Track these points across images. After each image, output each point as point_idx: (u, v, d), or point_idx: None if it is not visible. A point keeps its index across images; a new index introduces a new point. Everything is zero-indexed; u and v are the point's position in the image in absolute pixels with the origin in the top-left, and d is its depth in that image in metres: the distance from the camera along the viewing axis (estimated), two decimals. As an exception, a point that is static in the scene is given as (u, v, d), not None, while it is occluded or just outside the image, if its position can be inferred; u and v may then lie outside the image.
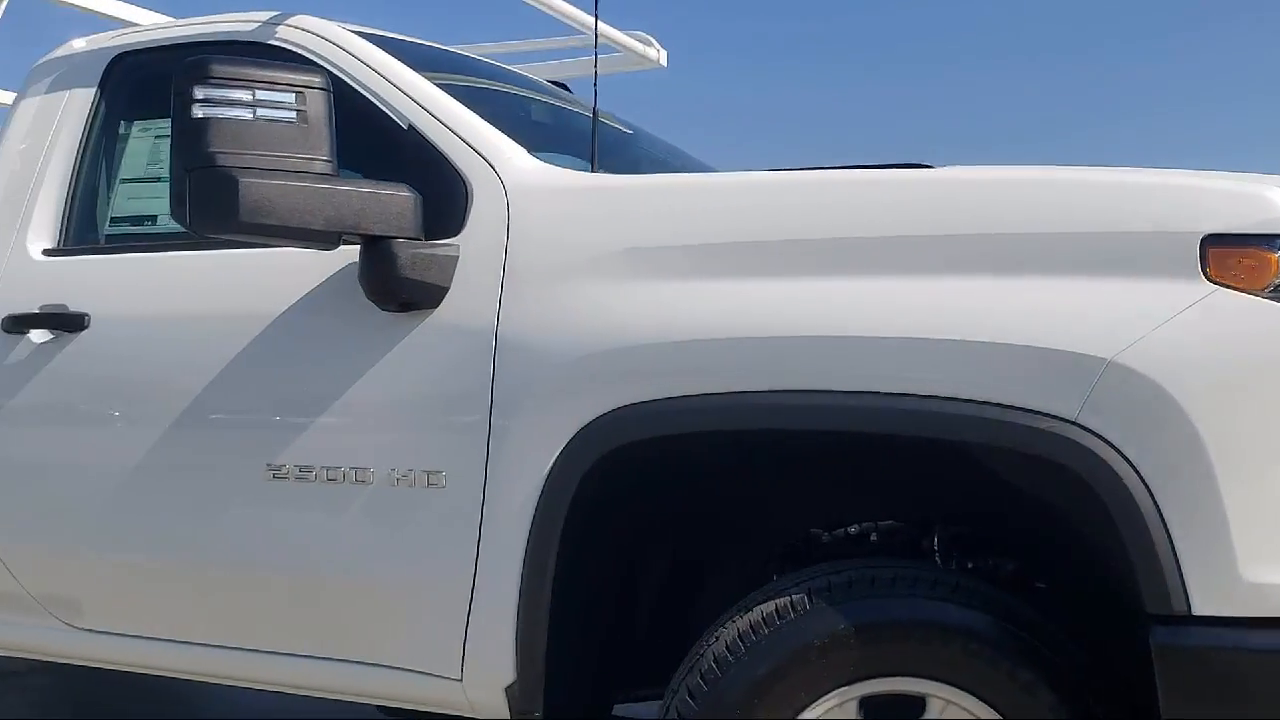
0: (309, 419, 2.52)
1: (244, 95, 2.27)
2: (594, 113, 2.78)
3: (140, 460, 2.70)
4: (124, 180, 2.97)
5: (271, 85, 2.29)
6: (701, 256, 2.23)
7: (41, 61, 3.26)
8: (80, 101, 3.08)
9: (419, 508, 2.39)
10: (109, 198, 2.99)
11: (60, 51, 3.25)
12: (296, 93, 2.31)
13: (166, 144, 2.78)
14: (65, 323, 2.83)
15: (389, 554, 2.43)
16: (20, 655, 3.23)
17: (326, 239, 2.33)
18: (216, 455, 2.65)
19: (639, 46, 4.78)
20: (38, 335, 2.86)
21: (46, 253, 2.98)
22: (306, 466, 2.51)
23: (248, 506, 2.59)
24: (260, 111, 2.27)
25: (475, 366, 2.32)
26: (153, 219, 2.90)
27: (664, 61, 4.87)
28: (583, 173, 2.65)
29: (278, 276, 2.60)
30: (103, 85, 3.08)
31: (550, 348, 2.27)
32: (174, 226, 2.77)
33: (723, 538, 2.53)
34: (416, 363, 2.40)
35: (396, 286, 2.37)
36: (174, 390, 2.67)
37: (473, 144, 2.53)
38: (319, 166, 2.31)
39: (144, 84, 3.11)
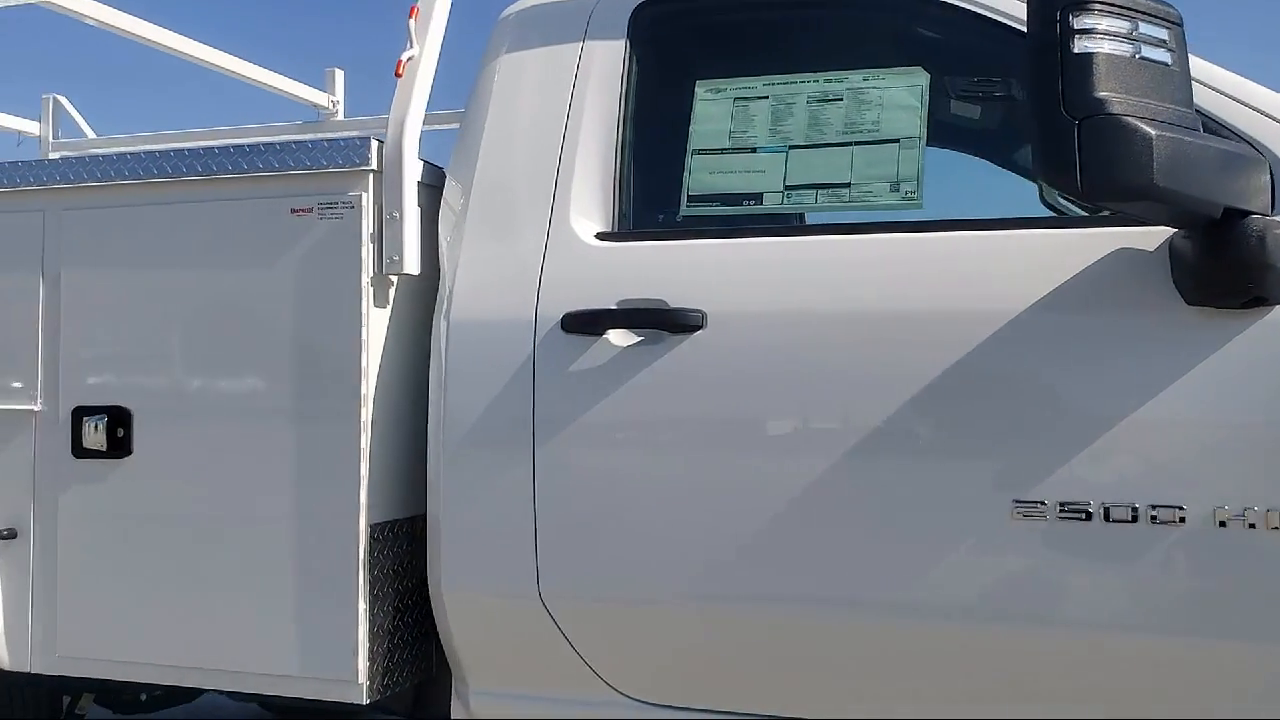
0: (1073, 445, 2.02)
1: (1124, 27, 1.79)
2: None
3: (803, 493, 2.15)
4: (698, 152, 2.41)
5: (1153, 18, 1.81)
6: None
7: (516, 11, 2.69)
8: (604, 59, 2.53)
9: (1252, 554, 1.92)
10: (680, 173, 2.43)
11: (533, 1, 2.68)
12: (1170, 28, 1.83)
13: (756, 109, 2.30)
14: (669, 322, 2.26)
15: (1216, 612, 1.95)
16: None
17: (1209, 210, 1.85)
18: (926, 488, 2.11)
19: None
20: (619, 337, 2.28)
21: (601, 237, 2.40)
22: (1075, 504, 2.00)
23: (981, 550, 2.06)
24: (1144, 50, 1.79)
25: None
26: (754, 198, 2.35)
27: None
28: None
29: (999, 263, 2.10)
30: (633, 39, 2.53)
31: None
32: (785, 207, 2.26)
33: None
34: (1267, 375, 1.94)
35: (1257, 276, 1.90)
36: (850, 404, 2.14)
37: (1268, 112, 2.09)
38: (1187, 121, 1.84)
39: (696, 37, 2.58)
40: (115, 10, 3.85)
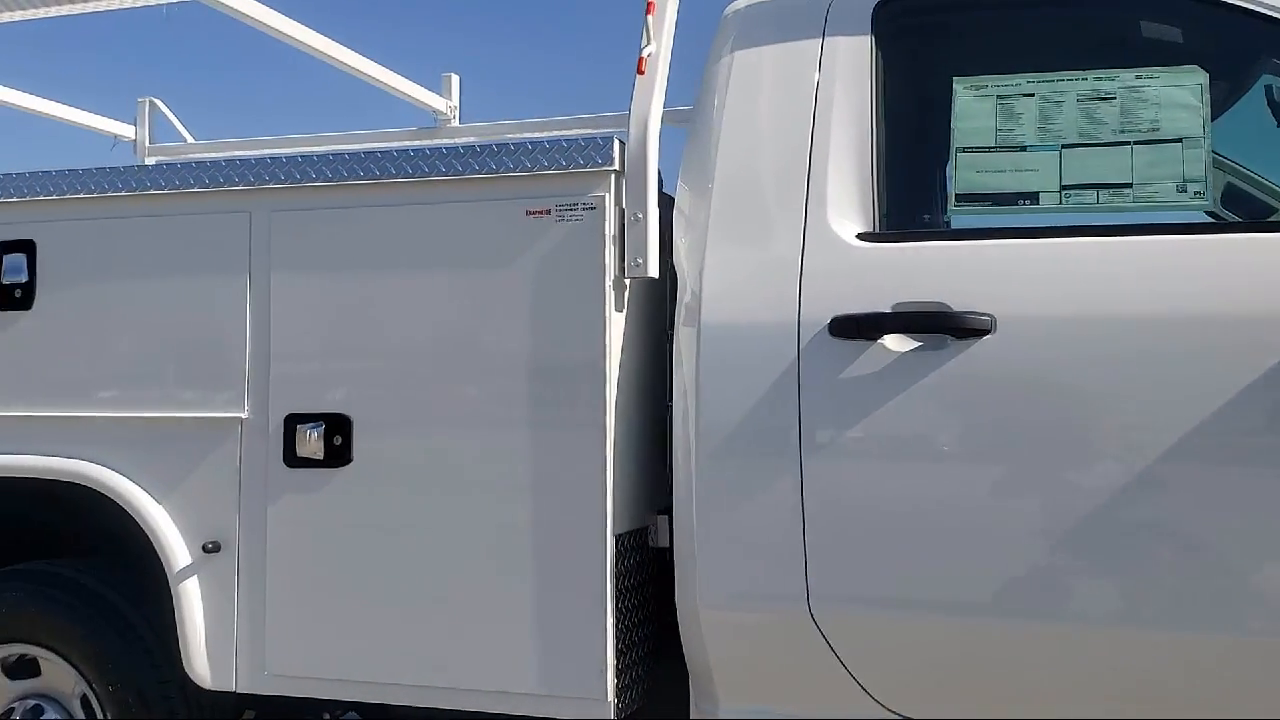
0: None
1: None
2: None
3: (1099, 505, 2.08)
4: (962, 151, 2.34)
5: None
6: None
7: (741, 9, 2.62)
8: (848, 55, 2.45)
9: None
10: (940, 172, 2.36)
11: (759, -6, 2.61)
12: None
13: (1022, 107, 2.24)
14: (953, 326, 2.19)
15: None
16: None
17: None
18: (1234, 499, 2.04)
19: None
20: (896, 341, 2.21)
21: (864, 238, 2.33)
22: None
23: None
24: None
25: None
26: (1029, 198, 2.28)
27: None
28: None
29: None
30: (877, 35, 2.46)
31: None
32: (1063, 208, 2.20)
33: None
34: None
35: None
36: (1152, 412, 2.07)
37: None
38: None
39: (939, 34, 2.51)
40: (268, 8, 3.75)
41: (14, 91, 4.56)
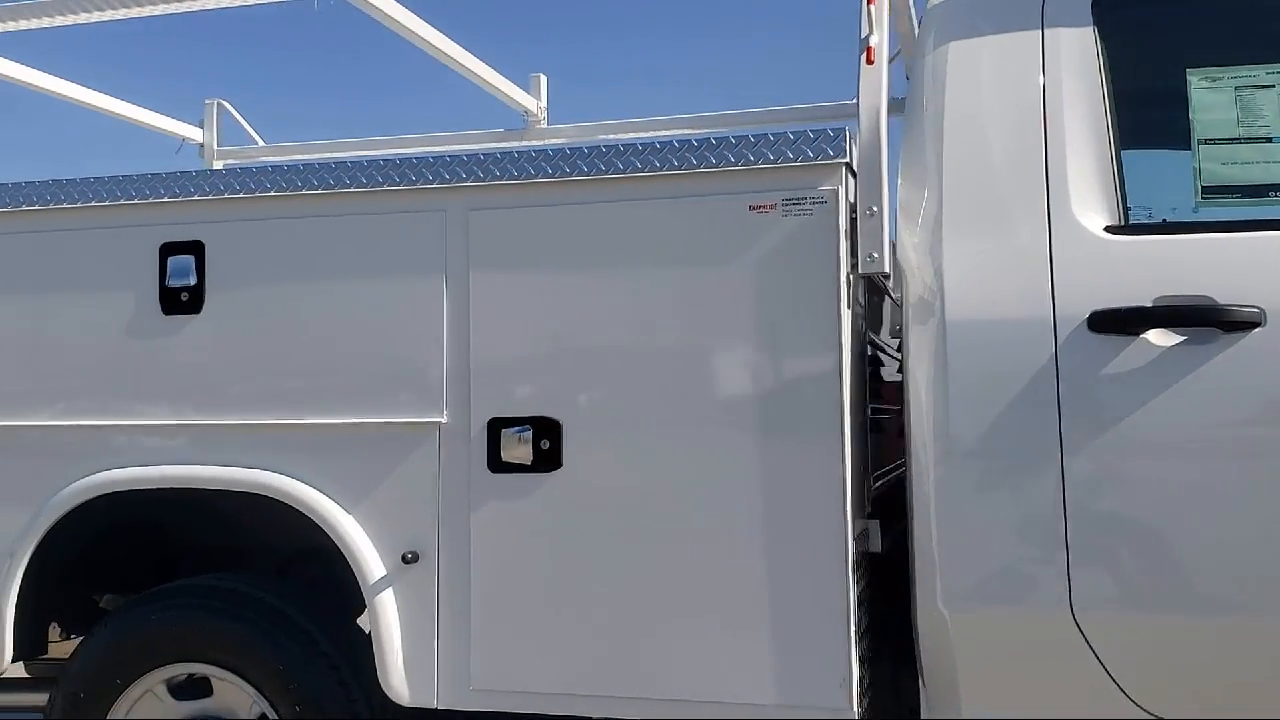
0: None
1: None
2: None
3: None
4: (1204, 143, 2.30)
5: None
6: None
7: (946, 3, 2.57)
8: (1072, 46, 2.41)
9: None
10: (1180, 163, 2.31)
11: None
12: None
13: (1264, 99, 2.21)
14: (1221, 320, 2.14)
15: None
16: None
17: None
18: None
19: None
20: (1160, 336, 2.16)
21: (1113, 230, 2.28)
22: None
23: None
24: None
25: None
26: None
27: None
28: None
29: None
30: (1099, 26, 2.42)
31: None
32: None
33: None
34: None
35: None
36: None
37: None
38: None
39: (1163, 23, 2.48)
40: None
41: (83, 89, 4.40)
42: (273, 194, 2.67)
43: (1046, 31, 2.44)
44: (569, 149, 2.50)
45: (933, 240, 2.36)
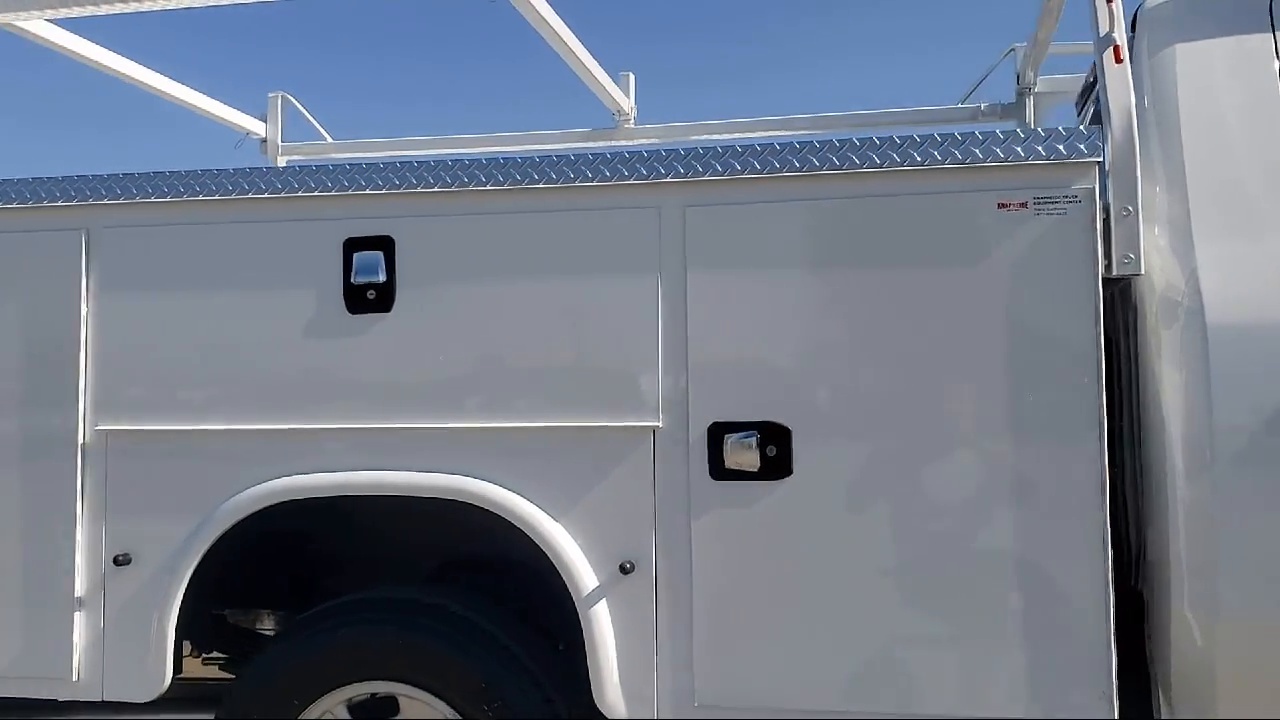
0: None
1: None
2: None
3: None
4: None
5: None
6: None
7: (1161, 6, 2.54)
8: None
9: None
10: None
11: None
12: None
13: None
14: None
15: None
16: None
17: None
18: None
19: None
20: None
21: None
22: None
23: None
24: None
25: None
26: None
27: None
28: None
29: None
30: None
31: None
32: None
33: None
34: None
35: None
36: None
37: None
38: None
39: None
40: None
41: (150, 72, 4.18)
42: (471, 188, 2.54)
43: (1278, 32, 2.41)
44: (799, 143, 2.41)
45: (1180, 243, 2.31)
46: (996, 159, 2.31)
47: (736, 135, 4.47)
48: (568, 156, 2.52)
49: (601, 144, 4.54)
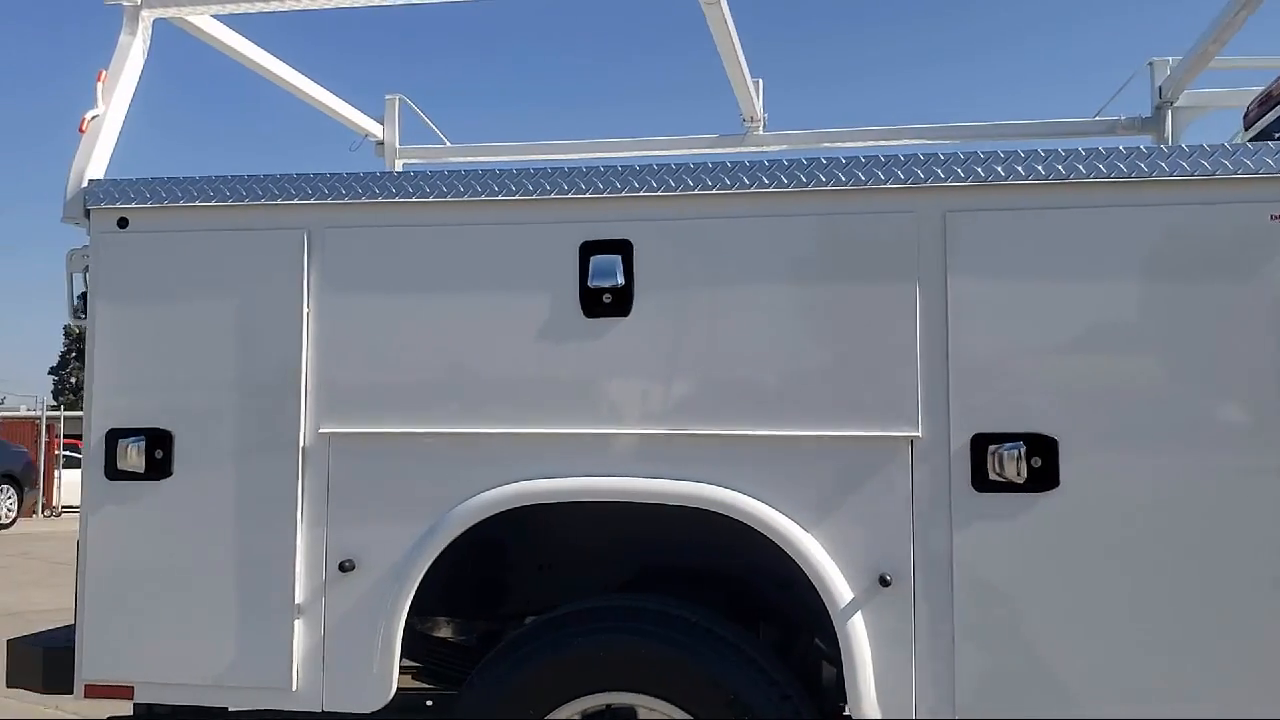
0: None
1: None
2: None
3: None
4: None
5: None
6: None
7: None
8: None
9: None
10: None
11: None
12: None
13: None
14: None
15: None
16: None
17: None
18: None
19: None
20: None
21: None
22: None
23: None
24: None
25: None
26: None
27: None
28: None
29: None
30: None
31: None
32: None
33: None
34: None
35: None
36: None
37: None
38: None
39: None
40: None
41: (286, 66, 4.11)
42: (715, 191, 2.51)
43: None
44: (1062, 149, 2.39)
45: None
46: (1270, 170, 2.29)
47: (872, 143, 4.45)
48: (819, 160, 2.48)
49: (730, 150, 4.51)
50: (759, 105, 4.45)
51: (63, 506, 21.96)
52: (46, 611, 8.79)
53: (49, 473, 21.88)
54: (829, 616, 2.40)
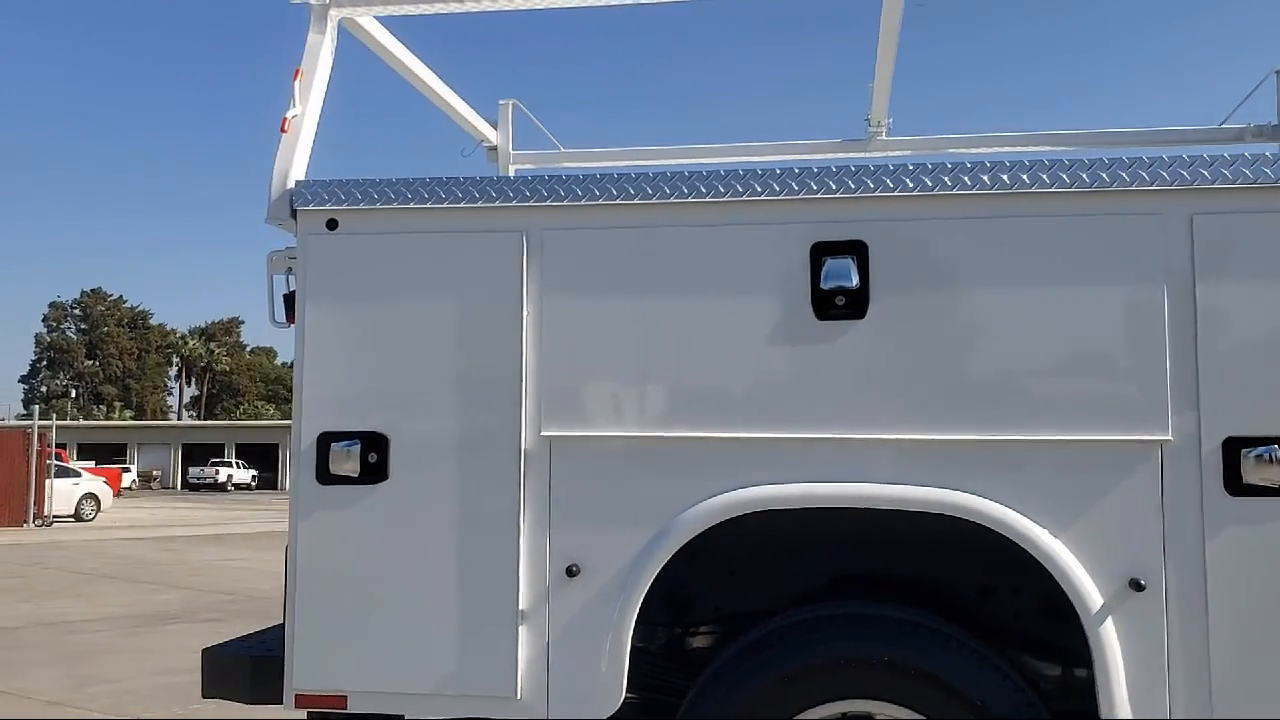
0: None
1: None
2: None
3: None
4: None
5: None
6: None
7: None
8: None
9: None
10: None
11: None
12: None
13: None
14: None
15: None
16: None
17: None
18: None
19: None
20: None
21: None
22: None
23: None
24: None
25: None
26: None
27: None
28: None
29: None
30: None
31: None
32: None
33: None
34: None
35: None
36: None
37: None
38: None
39: None
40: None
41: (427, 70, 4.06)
42: (955, 192, 2.49)
43: None
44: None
45: None
46: None
47: (995, 150, 4.44)
48: (1061, 161, 2.47)
49: (854, 155, 4.49)
50: (886, 110, 4.44)
51: (53, 516, 21.99)
52: (90, 620, 8.71)
53: (40, 482, 21.84)
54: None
